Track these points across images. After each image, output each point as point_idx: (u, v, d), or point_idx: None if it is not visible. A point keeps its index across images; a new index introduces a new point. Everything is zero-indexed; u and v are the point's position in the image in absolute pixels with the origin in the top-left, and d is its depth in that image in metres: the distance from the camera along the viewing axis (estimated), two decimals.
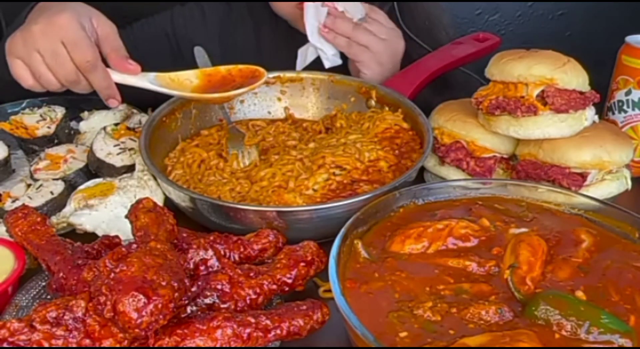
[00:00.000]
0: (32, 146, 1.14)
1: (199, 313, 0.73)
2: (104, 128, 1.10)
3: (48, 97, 1.25)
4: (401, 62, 1.30)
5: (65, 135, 1.16)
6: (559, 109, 0.97)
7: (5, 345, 0.66)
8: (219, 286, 0.75)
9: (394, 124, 1.09)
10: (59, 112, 1.18)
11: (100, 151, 1.05)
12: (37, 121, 1.16)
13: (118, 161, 1.05)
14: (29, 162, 1.12)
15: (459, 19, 2.08)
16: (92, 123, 1.20)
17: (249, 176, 1.02)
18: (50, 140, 1.14)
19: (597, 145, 0.99)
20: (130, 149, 1.08)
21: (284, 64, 1.25)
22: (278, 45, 1.41)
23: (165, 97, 1.12)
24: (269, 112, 1.24)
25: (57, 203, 0.98)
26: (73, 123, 1.22)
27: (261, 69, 1.04)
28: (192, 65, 1.18)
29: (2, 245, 0.85)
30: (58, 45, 0.94)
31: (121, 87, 1.01)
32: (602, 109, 1.16)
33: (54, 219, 0.95)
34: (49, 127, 1.15)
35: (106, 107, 1.08)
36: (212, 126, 1.18)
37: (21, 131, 1.15)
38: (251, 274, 0.77)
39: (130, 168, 1.05)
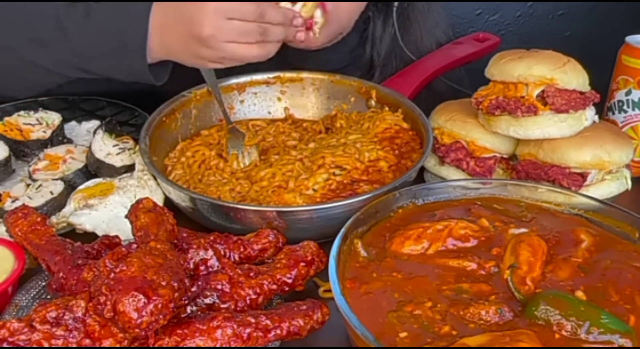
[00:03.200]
0: (24, 149, 1.13)
1: (199, 313, 0.73)
2: (101, 127, 1.09)
3: (49, 98, 1.26)
4: (401, 63, 1.30)
5: (59, 142, 1.15)
6: (559, 109, 0.97)
7: (5, 345, 0.66)
8: (219, 286, 0.75)
9: (394, 124, 1.09)
10: (57, 118, 1.17)
11: (100, 151, 1.05)
12: (33, 124, 1.16)
13: (118, 161, 1.05)
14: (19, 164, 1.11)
15: (459, 19, 2.07)
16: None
17: (249, 176, 1.02)
18: (44, 144, 1.13)
19: (597, 145, 0.99)
20: (129, 149, 1.08)
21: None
22: None
23: (164, 97, 1.12)
24: (269, 112, 1.24)
25: (57, 203, 0.98)
26: (68, 126, 1.21)
27: None
28: None
29: (2, 245, 0.85)
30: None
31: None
32: (602, 109, 1.16)
33: (54, 219, 0.95)
34: (44, 132, 1.14)
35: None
36: (212, 126, 1.18)
37: (15, 133, 1.13)
38: (251, 274, 0.77)
39: (130, 168, 1.05)
